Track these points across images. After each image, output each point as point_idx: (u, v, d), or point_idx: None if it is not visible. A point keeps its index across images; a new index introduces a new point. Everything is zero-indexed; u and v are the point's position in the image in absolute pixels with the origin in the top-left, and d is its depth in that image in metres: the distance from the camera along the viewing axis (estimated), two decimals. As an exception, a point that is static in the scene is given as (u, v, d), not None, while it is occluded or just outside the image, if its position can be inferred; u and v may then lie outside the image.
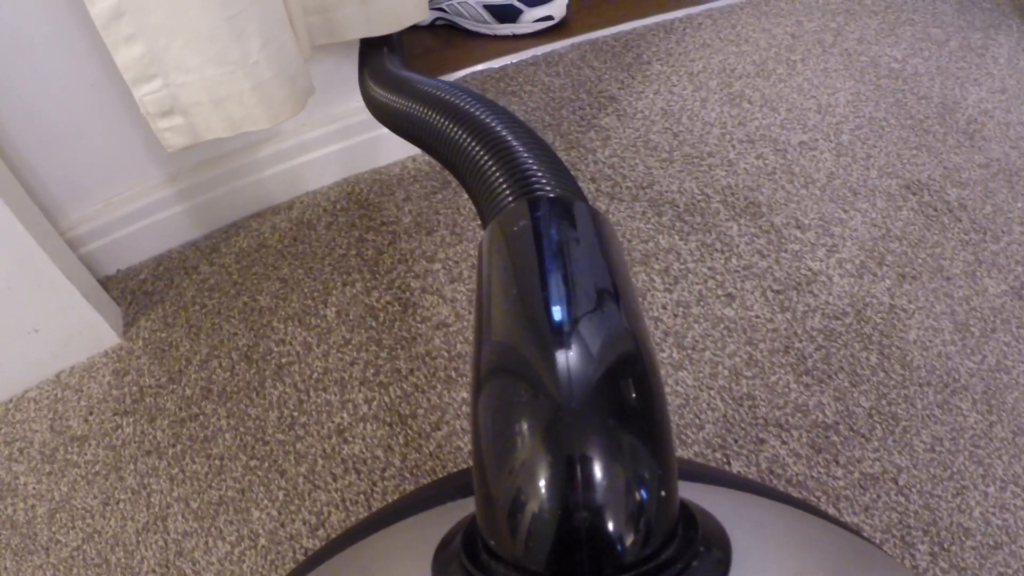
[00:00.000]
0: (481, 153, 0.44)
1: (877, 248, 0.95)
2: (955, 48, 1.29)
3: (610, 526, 0.25)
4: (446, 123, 0.49)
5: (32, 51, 0.79)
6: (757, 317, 0.88)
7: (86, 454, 0.83)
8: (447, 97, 0.53)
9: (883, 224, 0.98)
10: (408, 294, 0.93)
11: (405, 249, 0.98)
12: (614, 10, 1.37)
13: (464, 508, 0.35)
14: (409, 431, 0.80)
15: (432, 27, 1.41)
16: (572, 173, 1.05)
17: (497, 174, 0.41)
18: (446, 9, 1.36)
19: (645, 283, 0.92)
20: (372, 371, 0.86)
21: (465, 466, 0.77)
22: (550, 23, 1.33)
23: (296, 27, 0.76)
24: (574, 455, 0.25)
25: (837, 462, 0.76)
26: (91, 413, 0.86)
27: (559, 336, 0.29)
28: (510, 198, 0.39)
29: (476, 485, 0.28)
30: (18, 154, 0.85)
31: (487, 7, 1.31)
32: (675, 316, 0.88)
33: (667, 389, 0.82)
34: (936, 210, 1.01)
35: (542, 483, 0.25)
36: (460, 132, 0.47)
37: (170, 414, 0.85)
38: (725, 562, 0.28)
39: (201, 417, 0.84)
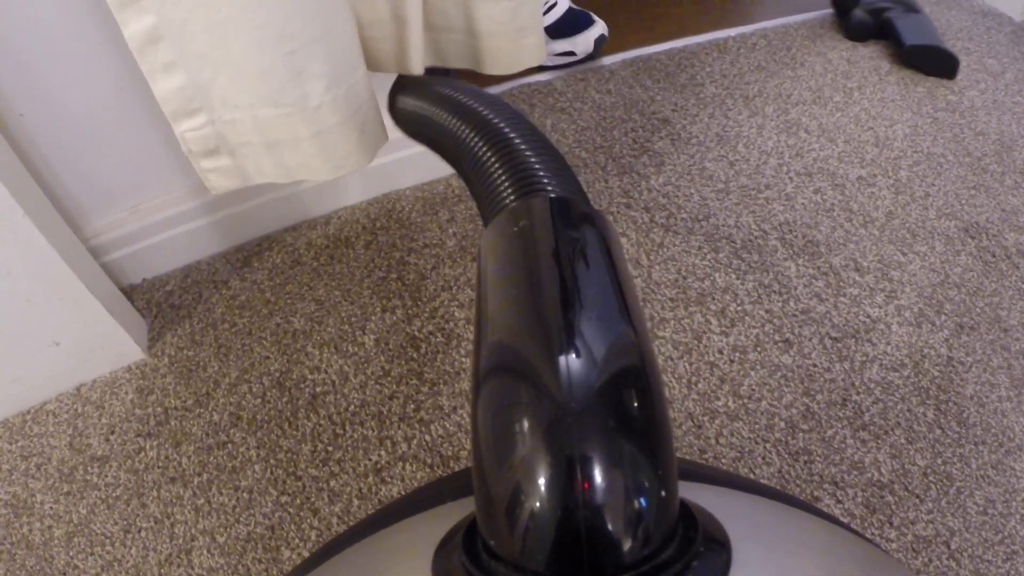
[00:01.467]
0: (484, 151, 0.43)
1: (936, 295, 0.92)
2: (1011, 80, 1.24)
3: (610, 526, 0.25)
4: (453, 121, 0.49)
5: (58, 53, 0.75)
6: (815, 366, 0.84)
7: (107, 476, 0.79)
8: (459, 97, 0.52)
9: (941, 269, 0.95)
10: (452, 324, 0.89)
11: (449, 275, 0.94)
12: (665, 25, 1.32)
13: (464, 508, 0.34)
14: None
15: None
16: (624, 200, 1.01)
17: (499, 173, 0.41)
18: None
19: (701, 324, 0.87)
20: (412, 407, 0.81)
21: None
22: (572, 59, 1.25)
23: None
24: (574, 455, 0.25)
25: (891, 523, 0.73)
26: (112, 432, 0.82)
27: (559, 336, 0.28)
28: (512, 198, 0.38)
29: (476, 485, 0.28)
30: (43, 158, 0.82)
31: None
32: (731, 362, 0.84)
33: (722, 440, 0.78)
34: (994, 256, 0.97)
35: (542, 483, 0.25)
36: (465, 129, 0.47)
37: (196, 440, 0.81)
38: (725, 562, 0.28)
39: (229, 445, 0.80)
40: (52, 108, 0.78)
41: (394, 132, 0.97)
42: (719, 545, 0.29)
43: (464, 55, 0.72)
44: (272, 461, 0.78)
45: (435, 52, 0.73)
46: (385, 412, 0.81)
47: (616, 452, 0.26)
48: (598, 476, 0.25)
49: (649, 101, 1.18)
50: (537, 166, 0.40)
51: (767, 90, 1.20)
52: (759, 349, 0.85)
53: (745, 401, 0.81)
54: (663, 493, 0.27)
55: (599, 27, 1.23)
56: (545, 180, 0.39)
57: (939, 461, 0.77)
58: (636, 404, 0.27)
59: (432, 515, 0.36)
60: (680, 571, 0.26)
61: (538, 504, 0.25)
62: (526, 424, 0.26)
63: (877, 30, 1.31)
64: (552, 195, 0.38)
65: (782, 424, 0.79)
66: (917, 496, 0.75)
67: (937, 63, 1.24)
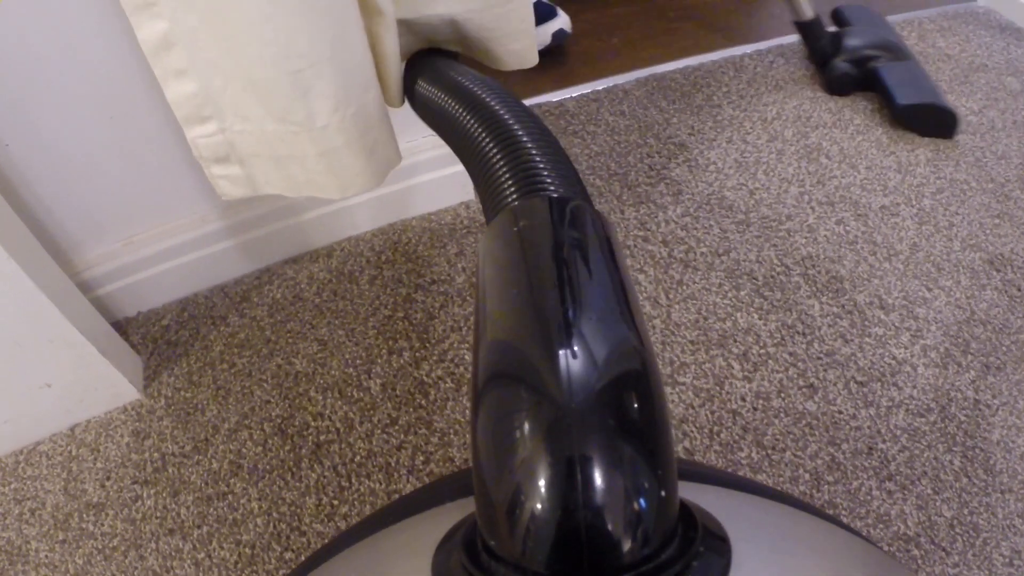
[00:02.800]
0: (489, 146, 0.43)
1: (962, 334, 0.88)
2: (1033, 99, 1.21)
3: (610, 526, 0.25)
4: (462, 113, 0.48)
5: (45, 80, 0.71)
6: (840, 412, 0.81)
7: (103, 525, 0.75)
8: (470, 87, 0.51)
9: (967, 305, 0.91)
10: (462, 369, 0.85)
11: (458, 315, 0.90)
12: (680, 41, 1.27)
13: (464, 508, 0.35)
14: (463, 532, 0.73)
15: None
16: (642, 233, 0.97)
17: (503, 171, 0.40)
18: None
19: (723, 369, 0.84)
20: (422, 458, 0.78)
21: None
22: None
23: (391, 76, 0.64)
24: (574, 455, 0.25)
25: (918, 578, 0.71)
26: (108, 478, 0.79)
27: (559, 336, 0.28)
28: (513, 197, 0.38)
29: (476, 485, 0.28)
30: (30, 190, 0.78)
31: None
32: (755, 409, 0.81)
33: (745, 495, 0.75)
34: (1020, 290, 0.94)
35: (542, 483, 0.25)
36: (472, 123, 0.46)
37: (195, 489, 0.77)
38: (725, 562, 0.28)
39: (230, 496, 0.76)
40: (39, 137, 0.75)
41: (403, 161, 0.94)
42: (719, 545, 0.29)
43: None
44: (275, 514, 0.75)
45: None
46: (393, 464, 0.77)
47: (616, 453, 0.26)
48: (598, 477, 0.25)
49: (665, 124, 1.14)
50: (540, 165, 0.39)
51: (786, 112, 1.16)
52: (783, 395, 0.82)
53: (769, 452, 0.78)
54: (663, 493, 0.27)
55: (560, 20, 1.19)
56: (547, 180, 0.38)
57: (965, 511, 0.74)
58: (636, 404, 0.27)
59: (432, 515, 0.37)
60: (680, 571, 0.26)
61: (538, 505, 0.25)
62: (526, 425, 0.26)
63: (862, 82, 1.19)
64: (553, 195, 0.37)
65: (807, 476, 0.76)
66: (943, 549, 0.72)
67: (932, 123, 1.13)
